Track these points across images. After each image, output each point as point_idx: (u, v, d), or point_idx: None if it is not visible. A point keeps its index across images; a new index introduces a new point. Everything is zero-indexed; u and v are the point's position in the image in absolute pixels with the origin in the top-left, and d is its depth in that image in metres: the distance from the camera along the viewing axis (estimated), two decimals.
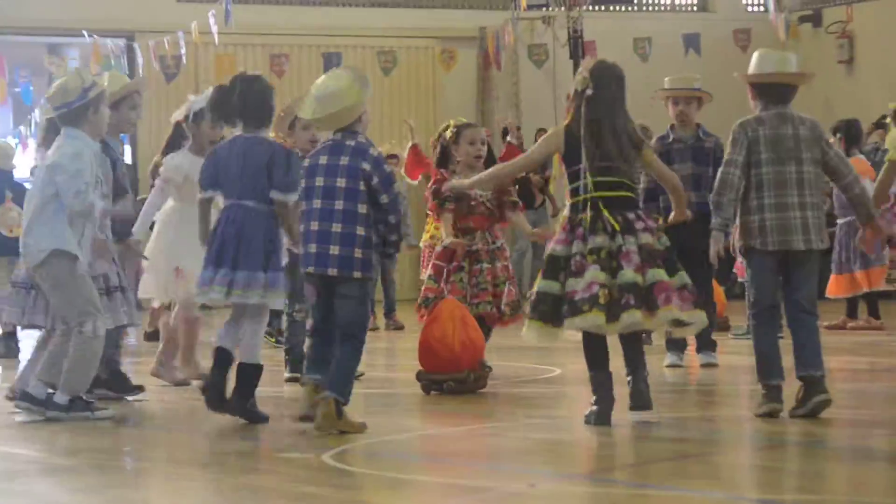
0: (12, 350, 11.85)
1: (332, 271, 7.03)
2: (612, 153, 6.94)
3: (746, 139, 7.22)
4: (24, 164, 14.85)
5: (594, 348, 7.03)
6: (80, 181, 7.60)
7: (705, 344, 9.71)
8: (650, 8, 19.68)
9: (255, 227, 7.31)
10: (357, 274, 7.04)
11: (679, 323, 6.94)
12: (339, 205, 7.04)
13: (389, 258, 7.43)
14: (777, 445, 6.80)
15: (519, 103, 18.48)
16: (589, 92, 6.97)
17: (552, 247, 7.04)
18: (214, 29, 16.14)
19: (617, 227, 6.88)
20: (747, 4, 19.80)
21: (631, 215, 6.94)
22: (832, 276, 12.56)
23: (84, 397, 7.78)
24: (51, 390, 7.77)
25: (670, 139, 9.57)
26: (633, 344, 7.04)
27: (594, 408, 7.02)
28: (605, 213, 6.90)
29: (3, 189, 12.14)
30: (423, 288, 9.12)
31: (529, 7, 17.60)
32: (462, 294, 8.95)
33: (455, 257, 9.02)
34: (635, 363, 7.02)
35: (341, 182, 7.05)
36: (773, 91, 7.30)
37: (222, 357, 7.45)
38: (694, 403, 8.55)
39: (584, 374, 7.14)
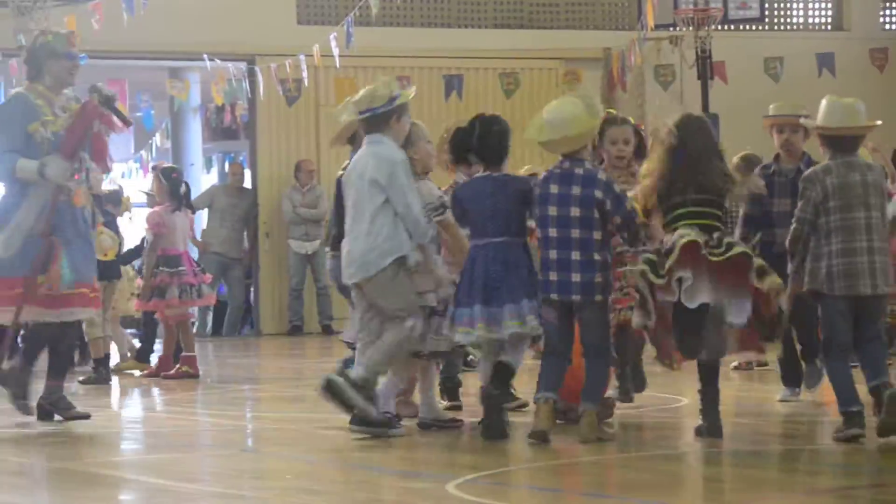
0: (103, 377, 11.69)
1: (576, 297, 7.48)
2: (706, 188, 7.38)
3: (816, 194, 7.48)
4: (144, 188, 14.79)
5: (706, 368, 7.53)
6: (415, 207, 7.75)
7: (792, 379, 9.23)
8: (782, 27, 19.24)
9: (518, 260, 7.62)
10: (598, 297, 7.51)
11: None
12: (575, 233, 7.46)
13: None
14: None
15: (645, 125, 18.15)
16: (673, 142, 7.41)
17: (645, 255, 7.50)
18: (336, 52, 16.05)
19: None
20: (885, 22, 19.28)
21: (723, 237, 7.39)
22: None
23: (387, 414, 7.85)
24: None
25: (771, 170, 9.17)
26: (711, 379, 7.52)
27: (704, 423, 7.53)
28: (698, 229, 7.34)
29: (95, 214, 12.03)
30: None
31: (656, 27, 17.29)
32: None
33: None
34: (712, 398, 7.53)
35: (575, 211, 7.47)
36: (842, 141, 7.53)
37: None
38: (804, 435, 8.28)
39: None
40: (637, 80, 18.19)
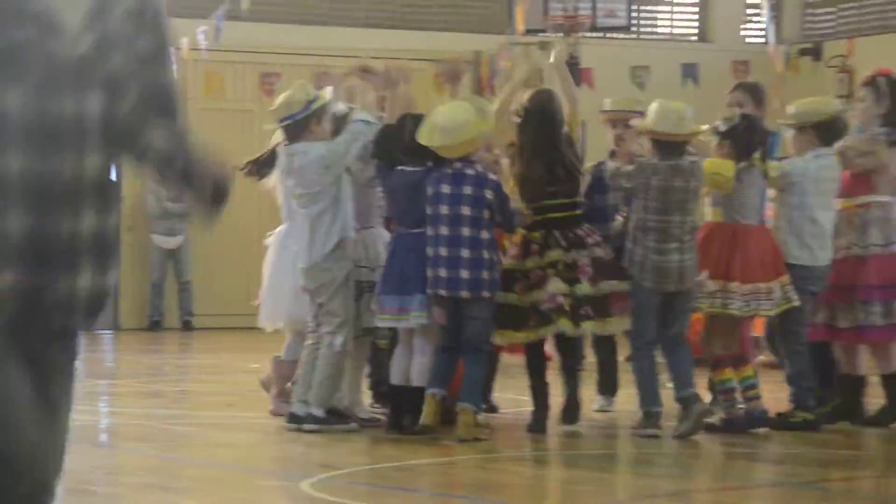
0: None
1: (464, 294, 7.60)
2: (556, 177, 7.75)
3: (638, 183, 7.76)
4: None
5: (535, 360, 7.87)
6: (351, 144, 7.83)
7: (608, 387, 8.93)
8: (649, 36, 19.49)
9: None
10: (486, 294, 7.64)
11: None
12: (465, 231, 7.60)
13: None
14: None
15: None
16: (517, 120, 7.82)
17: (505, 261, 7.79)
18: (204, 45, 15.90)
19: (564, 244, 7.71)
20: (746, 35, 19.62)
21: (580, 231, 7.77)
22: None
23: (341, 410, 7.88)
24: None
25: (605, 167, 8.73)
26: (571, 362, 7.96)
27: (535, 415, 7.80)
28: (556, 232, 7.70)
29: None
30: None
31: (527, 31, 17.38)
32: None
33: None
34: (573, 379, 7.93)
35: (466, 210, 7.61)
36: (669, 145, 7.77)
37: (401, 393, 7.81)
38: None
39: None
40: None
